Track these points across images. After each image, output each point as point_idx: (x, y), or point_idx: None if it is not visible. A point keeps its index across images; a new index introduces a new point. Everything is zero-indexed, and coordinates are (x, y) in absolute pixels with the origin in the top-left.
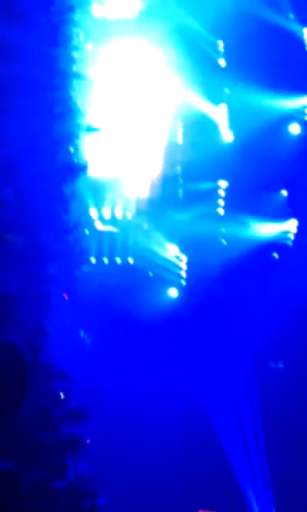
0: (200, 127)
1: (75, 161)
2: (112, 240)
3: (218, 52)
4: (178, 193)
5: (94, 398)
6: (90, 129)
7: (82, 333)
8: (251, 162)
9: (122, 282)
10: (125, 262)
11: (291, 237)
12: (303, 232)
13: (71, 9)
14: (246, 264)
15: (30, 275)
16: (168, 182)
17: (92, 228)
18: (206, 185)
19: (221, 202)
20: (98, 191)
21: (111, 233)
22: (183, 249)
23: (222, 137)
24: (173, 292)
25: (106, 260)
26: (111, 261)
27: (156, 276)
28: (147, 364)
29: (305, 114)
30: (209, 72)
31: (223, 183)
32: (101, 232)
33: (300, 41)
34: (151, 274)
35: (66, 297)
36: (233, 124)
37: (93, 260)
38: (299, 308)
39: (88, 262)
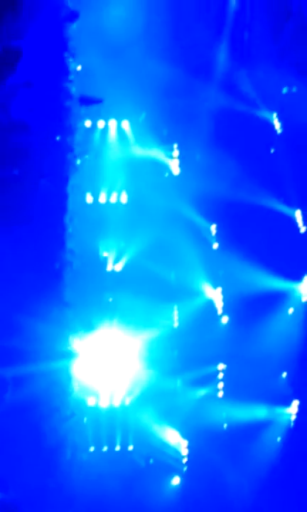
0: (198, 310)
1: None
2: (111, 426)
3: (211, 235)
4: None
5: None
6: None
7: None
8: (250, 344)
9: (121, 471)
10: (124, 449)
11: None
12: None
13: None
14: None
15: None
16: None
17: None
18: (205, 369)
19: (221, 385)
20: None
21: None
22: (184, 434)
23: (219, 321)
24: (176, 480)
25: (105, 448)
26: (110, 448)
27: (157, 463)
28: None
29: (301, 296)
30: (204, 254)
31: (222, 366)
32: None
33: (294, 223)
34: (151, 461)
35: None
36: (228, 307)
37: (91, 448)
38: None
39: (86, 450)
